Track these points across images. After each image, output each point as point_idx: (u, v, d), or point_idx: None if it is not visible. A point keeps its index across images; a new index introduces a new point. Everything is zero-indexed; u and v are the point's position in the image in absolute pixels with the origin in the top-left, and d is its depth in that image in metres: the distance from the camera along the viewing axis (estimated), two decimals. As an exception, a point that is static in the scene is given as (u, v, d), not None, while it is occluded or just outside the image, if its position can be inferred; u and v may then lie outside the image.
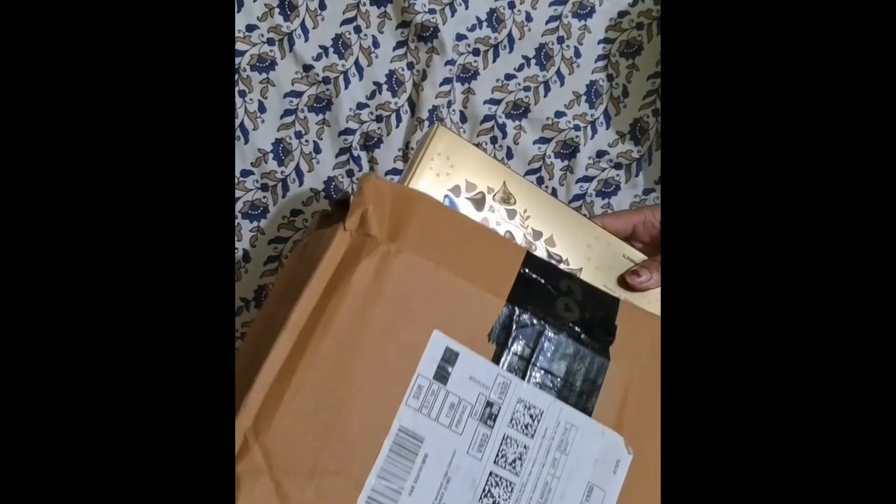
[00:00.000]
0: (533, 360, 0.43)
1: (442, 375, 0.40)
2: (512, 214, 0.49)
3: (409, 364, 0.40)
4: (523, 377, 0.42)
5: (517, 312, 0.43)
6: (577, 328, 0.44)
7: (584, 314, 0.44)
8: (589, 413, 0.43)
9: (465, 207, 0.48)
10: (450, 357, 0.41)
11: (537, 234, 0.49)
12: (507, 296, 0.42)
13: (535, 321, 0.43)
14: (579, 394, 0.43)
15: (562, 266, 0.49)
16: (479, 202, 0.49)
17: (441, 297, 0.41)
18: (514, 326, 0.42)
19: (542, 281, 0.44)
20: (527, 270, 0.44)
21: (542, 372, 0.43)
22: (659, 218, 0.51)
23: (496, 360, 0.42)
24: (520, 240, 0.48)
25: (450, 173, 0.48)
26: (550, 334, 0.43)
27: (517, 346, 0.42)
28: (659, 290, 0.52)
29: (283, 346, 0.38)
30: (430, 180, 0.47)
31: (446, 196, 0.48)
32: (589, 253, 0.49)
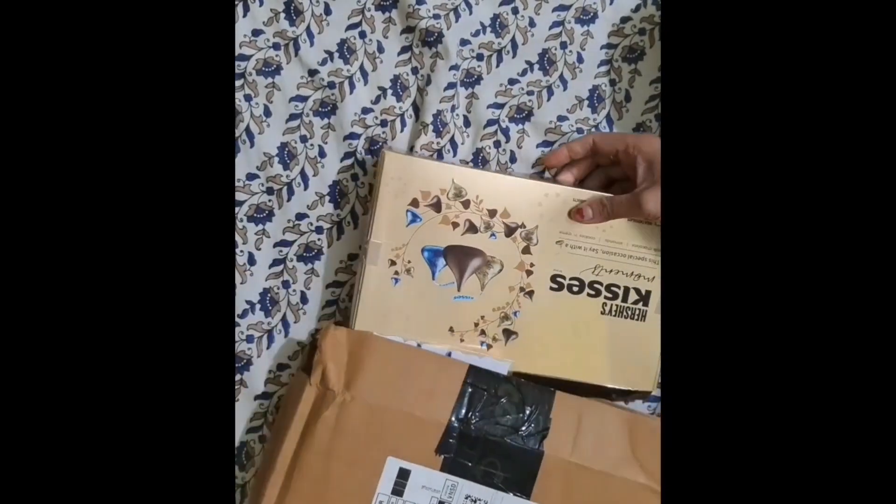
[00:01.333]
0: (476, 462, 0.53)
1: (398, 490, 0.52)
2: (467, 204, 0.56)
3: (371, 486, 0.52)
4: (469, 477, 0.53)
5: (460, 425, 0.53)
6: (514, 429, 0.53)
7: (522, 415, 0.54)
8: (528, 497, 0.53)
9: (427, 214, 0.56)
10: (404, 474, 0.52)
11: (492, 213, 0.57)
12: (451, 410, 0.53)
13: (476, 429, 0.53)
14: (518, 483, 0.53)
15: (519, 231, 0.56)
16: (436, 206, 0.56)
17: (392, 428, 0.52)
18: (458, 437, 0.53)
19: (483, 389, 0.54)
20: (469, 383, 0.54)
21: (485, 470, 0.53)
22: (640, 145, 0.55)
23: (444, 468, 0.53)
24: (478, 223, 0.56)
25: (405, 190, 0.56)
26: (491, 438, 0.53)
27: (462, 453, 0.53)
28: (659, 297, 0.57)
29: (274, 485, 0.52)
30: (391, 203, 0.56)
31: (408, 210, 0.56)
32: (541, 210, 0.57)
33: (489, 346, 0.57)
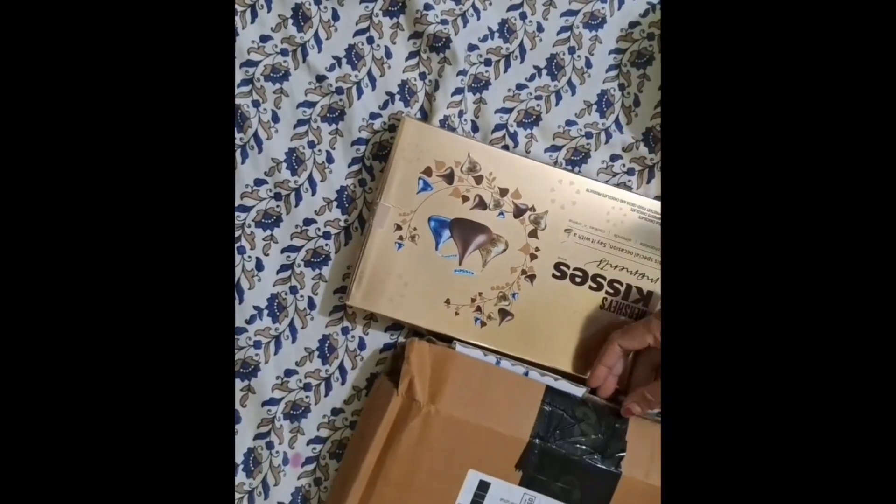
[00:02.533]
0: (555, 479, 0.54)
1: (477, 502, 0.54)
2: (479, 180, 0.57)
3: (452, 497, 0.54)
4: (547, 493, 0.54)
5: (540, 443, 0.53)
6: (592, 449, 0.54)
7: (599, 435, 0.54)
8: None
9: (438, 184, 0.57)
10: (483, 486, 0.54)
11: (504, 192, 0.57)
12: (532, 428, 0.54)
13: (555, 448, 0.54)
14: (594, 501, 0.54)
15: (527, 214, 0.57)
16: (448, 177, 0.57)
17: (473, 441, 0.53)
18: (539, 454, 0.53)
19: (561, 411, 0.54)
20: (547, 404, 0.54)
21: (562, 488, 0.54)
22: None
23: (523, 482, 0.54)
24: (488, 200, 0.57)
25: (420, 157, 0.57)
26: (569, 458, 0.54)
27: (541, 470, 0.54)
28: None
29: (357, 488, 0.53)
30: (404, 168, 0.57)
31: (420, 178, 0.57)
32: (553, 195, 0.57)
33: (483, 324, 0.57)
